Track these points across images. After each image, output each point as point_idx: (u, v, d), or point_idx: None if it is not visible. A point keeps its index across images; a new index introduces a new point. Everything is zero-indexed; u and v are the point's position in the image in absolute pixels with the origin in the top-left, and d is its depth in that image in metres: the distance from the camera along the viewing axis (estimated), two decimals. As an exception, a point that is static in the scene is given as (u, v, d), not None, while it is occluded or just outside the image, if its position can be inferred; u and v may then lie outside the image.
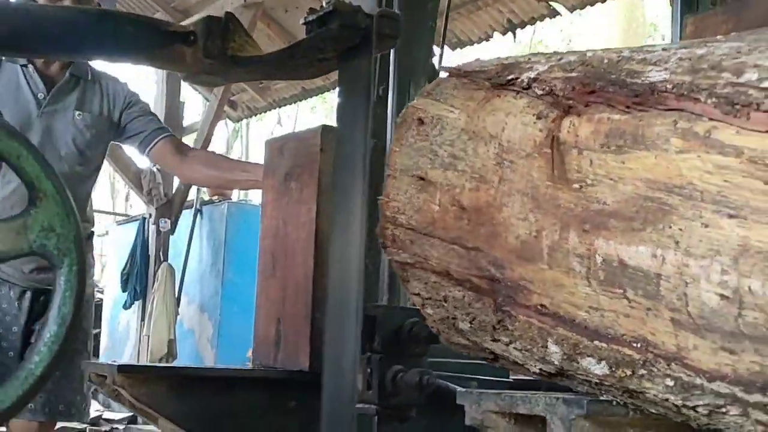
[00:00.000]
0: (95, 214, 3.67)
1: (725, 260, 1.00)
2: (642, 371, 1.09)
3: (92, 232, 3.28)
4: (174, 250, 8.28)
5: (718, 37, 1.21)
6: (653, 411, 1.13)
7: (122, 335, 9.48)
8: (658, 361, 1.07)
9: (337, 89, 1.68)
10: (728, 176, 1.01)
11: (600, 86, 1.15)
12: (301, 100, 9.54)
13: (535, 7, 6.69)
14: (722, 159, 1.01)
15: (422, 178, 1.35)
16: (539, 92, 1.23)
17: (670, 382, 1.07)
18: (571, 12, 6.99)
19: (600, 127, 1.14)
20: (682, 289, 1.03)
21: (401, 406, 2.27)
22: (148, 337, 7.97)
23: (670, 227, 1.05)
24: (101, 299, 10.20)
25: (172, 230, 8.36)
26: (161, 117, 7.75)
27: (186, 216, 8.47)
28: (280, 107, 9.87)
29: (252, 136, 21.15)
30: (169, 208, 8.32)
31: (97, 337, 10.04)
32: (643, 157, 1.09)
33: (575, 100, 1.18)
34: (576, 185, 1.15)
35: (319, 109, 20.84)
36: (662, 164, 1.07)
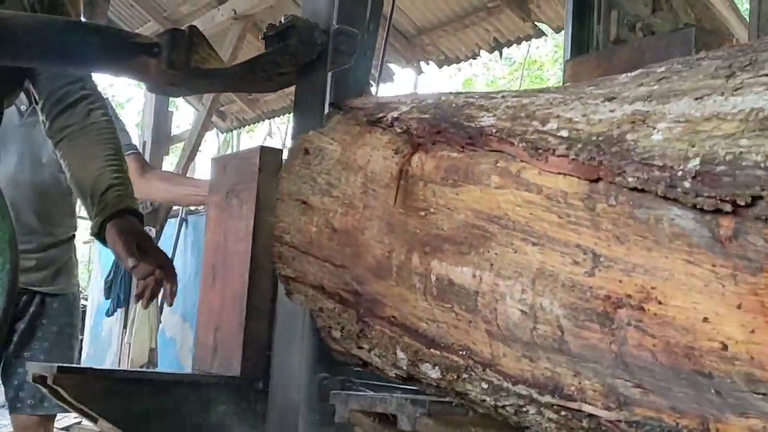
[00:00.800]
0: (80, 220, 3.87)
1: (525, 281, 1.16)
2: (465, 375, 1.26)
3: (74, 235, 3.51)
4: (158, 258, 8.37)
5: (559, 85, 1.38)
6: (480, 410, 1.30)
7: (104, 342, 9.57)
8: (477, 367, 1.24)
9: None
10: (532, 210, 1.18)
11: (444, 127, 1.32)
12: (290, 112, 9.68)
13: (521, 26, 6.87)
14: (528, 195, 1.18)
15: (304, 203, 1.51)
16: (398, 130, 1.40)
17: (485, 385, 1.23)
18: (557, 32, 7.18)
19: (441, 163, 1.31)
20: (494, 305, 1.20)
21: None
22: (130, 344, 8.09)
23: (488, 251, 1.22)
24: (85, 306, 10.31)
25: (157, 239, 8.50)
26: (149, 126, 7.91)
27: (171, 225, 8.59)
28: (269, 119, 9.96)
29: (243, 146, 21.30)
30: (155, 216, 8.45)
31: (80, 343, 10.17)
32: (472, 190, 1.26)
33: (425, 138, 1.34)
34: (421, 213, 1.32)
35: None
36: (485, 197, 1.24)
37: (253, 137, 20.51)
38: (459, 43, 7.46)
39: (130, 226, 2.02)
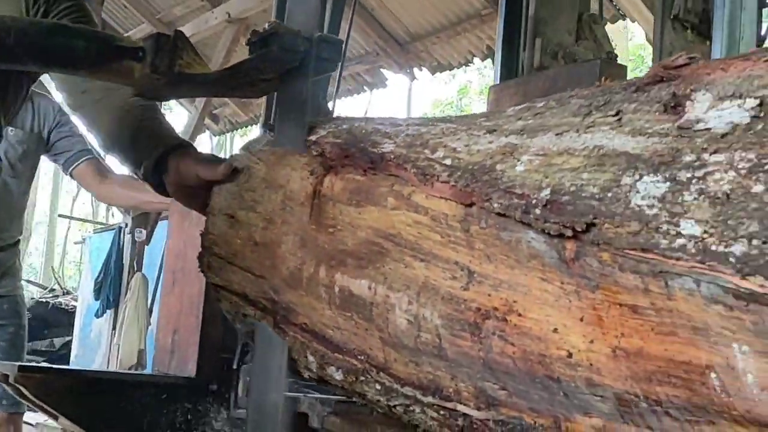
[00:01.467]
0: (69, 220, 3.98)
1: (412, 294, 1.29)
2: (362, 377, 1.39)
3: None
4: (148, 260, 8.43)
5: (455, 115, 1.51)
6: (379, 410, 1.43)
7: (93, 343, 9.63)
8: (372, 370, 1.37)
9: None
10: (420, 229, 1.30)
11: (352, 152, 1.45)
12: None
13: (515, 34, 6.98)
14: (417, 216, 1.31)
15: (232, 217, 1.64)
16: (315, 153, 1.52)
17: (379, 387, 1.36)
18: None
19: (348, 184, 1.44)
20: (385, 315, 1.33)
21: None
22: (119, 346, 8.15)
23: (384, 266, 1.35)
24: (74, 306, 10.37)
25: (148, 240, 8.54)
26: None
27: (162, 227, 8.64)
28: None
29: (237, 149, 21.27)
30: (146, 218, 8.49)
31: (68, 344, 10.23)
32: (372, 210, 1.39)
33: (336, 161, 1.47)
34: (330, 229, 1.45)
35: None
36: (382, 217, 1.37)
37: (247, 136, 20.58)
38: (452, 49, 7.58)
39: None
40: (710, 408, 1.01)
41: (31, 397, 2.57)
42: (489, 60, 7.51)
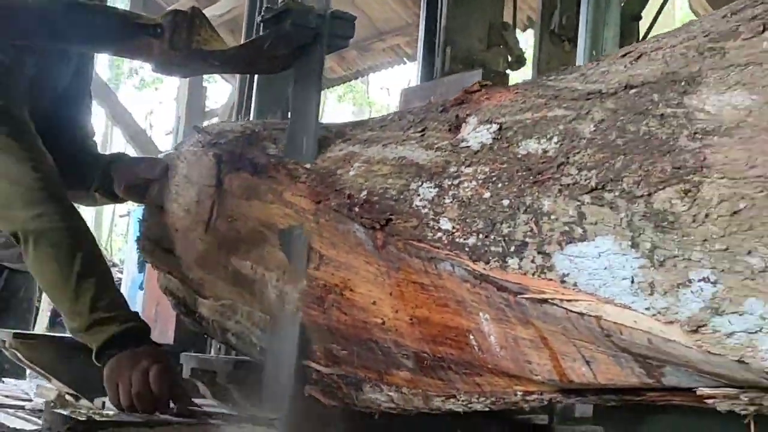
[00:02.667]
0: None
1: (280, 273, 1.59)
2: (248, 339, 1.69)
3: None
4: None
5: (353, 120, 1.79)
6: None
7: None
8: (256, 331, 1.67)
9: (292, 82, 1.73)
10: (288, 220, 1.59)
11: (243, 155, 1.74)
12: (327, 88, 9.34)
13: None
14: (287, 209, 1.59)
15: (161, 207, 1.94)
16: (219, 152, 1.82)
17: (259, 349, 1.66)
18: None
19: (242, 182, 1.72)
20: (262, 290, 1.62)
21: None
22: (159, 317, 8.39)
23: (263, 250, 1.64)
24: (120, 279, 10.72)
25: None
26: (184, 100, 8.03)
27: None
28: None
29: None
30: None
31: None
32: (258, 204, 1.67)
33: (233, 161, 1.76)
34: (228, 219, 1.74)
35: (348, 97, 21.15)
36: (264, 210, 1.65)
37: None
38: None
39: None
40: (475, 363, 1.29)
41: (25, 360, 2.87)
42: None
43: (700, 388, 1.01)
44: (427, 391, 1.38)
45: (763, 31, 0.92)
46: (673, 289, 0.93)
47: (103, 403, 2.91)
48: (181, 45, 1.66)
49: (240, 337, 1.70)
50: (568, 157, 1.08)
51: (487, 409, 1.33)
